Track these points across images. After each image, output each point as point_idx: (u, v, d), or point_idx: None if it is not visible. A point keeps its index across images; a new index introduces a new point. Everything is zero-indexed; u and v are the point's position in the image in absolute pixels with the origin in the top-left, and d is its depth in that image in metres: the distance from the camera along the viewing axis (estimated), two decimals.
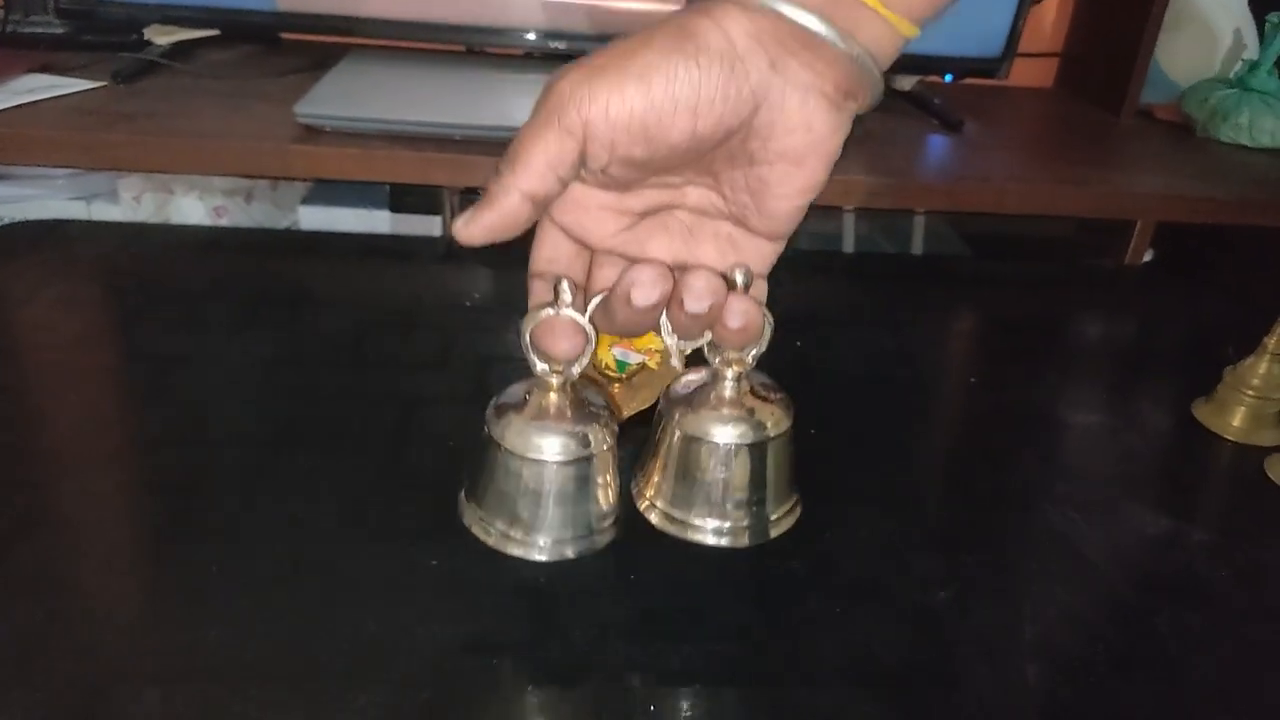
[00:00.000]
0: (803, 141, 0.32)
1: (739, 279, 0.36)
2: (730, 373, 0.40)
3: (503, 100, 0.93)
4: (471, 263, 0.77)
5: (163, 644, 0.39)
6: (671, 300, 0.34)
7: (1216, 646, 0.43)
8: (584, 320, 0.36)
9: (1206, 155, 1.05)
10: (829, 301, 0.75)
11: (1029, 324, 0.74)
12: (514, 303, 0.70)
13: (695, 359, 0.40)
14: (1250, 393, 0.57)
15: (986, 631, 0.43)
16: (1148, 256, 0.99)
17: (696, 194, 0.36)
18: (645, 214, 0.36)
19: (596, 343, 0.37)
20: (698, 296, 0.34)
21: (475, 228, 0.33)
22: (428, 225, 0.93)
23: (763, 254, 0.37)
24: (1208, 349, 0.69)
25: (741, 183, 0.34)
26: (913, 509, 0.51)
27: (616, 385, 0.57)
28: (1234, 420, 0.58)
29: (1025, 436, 0.58)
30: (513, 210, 0.32)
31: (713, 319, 0.35)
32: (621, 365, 0.57)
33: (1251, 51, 1.12)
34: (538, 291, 0.37)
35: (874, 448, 0.56)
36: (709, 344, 0.40)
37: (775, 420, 0.41)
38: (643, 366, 0.58)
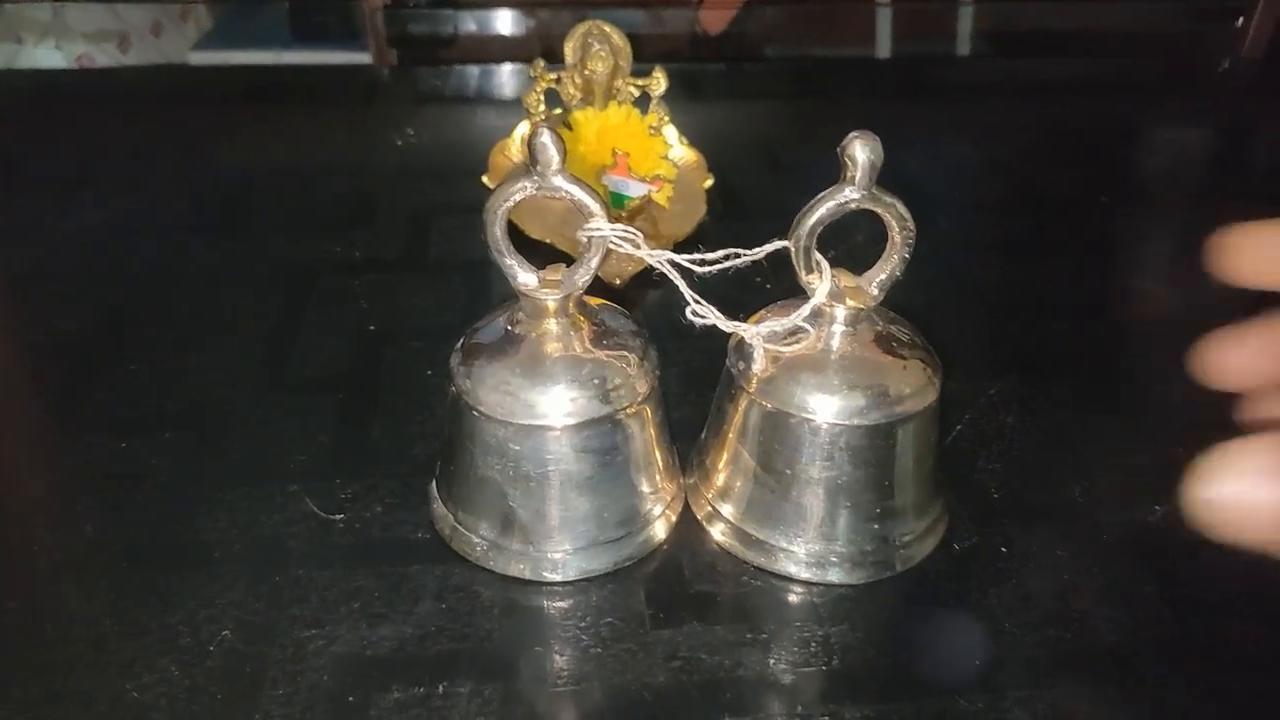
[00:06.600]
0: None
1: None
2: (842, 312, 0.24)
3: None
4: (405, 100, 0.58)
5: None
6: None
7: None
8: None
9: None
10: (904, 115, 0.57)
11: (1136, 135, 0.57)
12: (462, 137, 0.52)
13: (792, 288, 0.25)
14: None
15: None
16: None
17: None
18: None
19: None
20: None
21: None
22: (348, 59, 0.73)
23: None
24: None
25: None
26: (1083, 380, 0.34)
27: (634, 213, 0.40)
28: None
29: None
30: None
31: None
32: (618, 200, 0.39)
33: None
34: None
35: (1004, 297, 0.39)
36: (807, 271, 0.24)
37: (914, 388, 0.25)
38: (647, 201, 0.40)
